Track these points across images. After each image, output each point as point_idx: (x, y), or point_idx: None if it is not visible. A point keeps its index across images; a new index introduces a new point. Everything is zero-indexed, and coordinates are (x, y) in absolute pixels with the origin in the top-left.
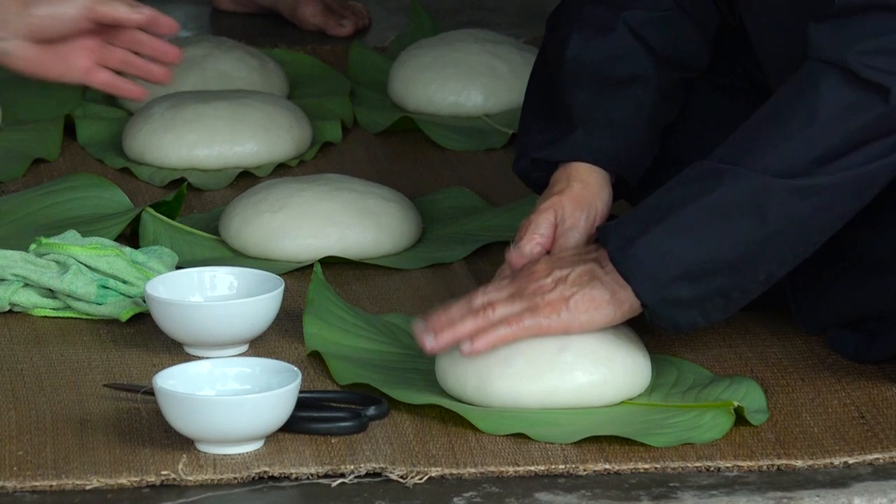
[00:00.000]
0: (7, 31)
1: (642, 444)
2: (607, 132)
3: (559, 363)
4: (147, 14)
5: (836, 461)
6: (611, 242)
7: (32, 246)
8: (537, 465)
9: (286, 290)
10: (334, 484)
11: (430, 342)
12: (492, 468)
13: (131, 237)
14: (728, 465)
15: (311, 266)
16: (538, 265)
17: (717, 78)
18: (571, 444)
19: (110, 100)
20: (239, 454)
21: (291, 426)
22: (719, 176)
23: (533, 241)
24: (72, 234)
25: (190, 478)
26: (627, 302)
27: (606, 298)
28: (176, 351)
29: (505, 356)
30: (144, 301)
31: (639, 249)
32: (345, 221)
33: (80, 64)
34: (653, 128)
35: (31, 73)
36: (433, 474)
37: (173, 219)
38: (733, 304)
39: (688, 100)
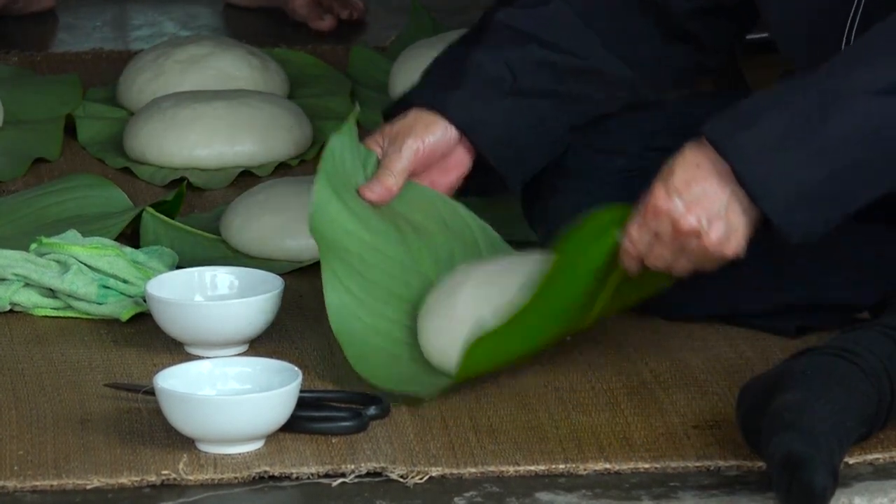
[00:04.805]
0: None
1: (642, 444)
2: (488, 109)
3: None
4: None
5: None
6: (736, 161)
7: (33, 245)
8: (537, 464)
9: (286, 290)
10: (335, 483)
11: None
12: (492, 468)
13: (131, 237)
14: (728, 464)
15: (310, 266)
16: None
17: None
18: (572, 443)
19: (111, 99)
20: (239, 454)
21: (292, 426)
22: (835, 102)
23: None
24: (72, 234)
25: (190, 477)
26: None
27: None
28: (176, 351)
29: (476, 321)
30: (145, 301)
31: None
32: None
33: None
34: (548, 129)
35: None
36: (433, 474)
37: (173, 218)
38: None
39: None
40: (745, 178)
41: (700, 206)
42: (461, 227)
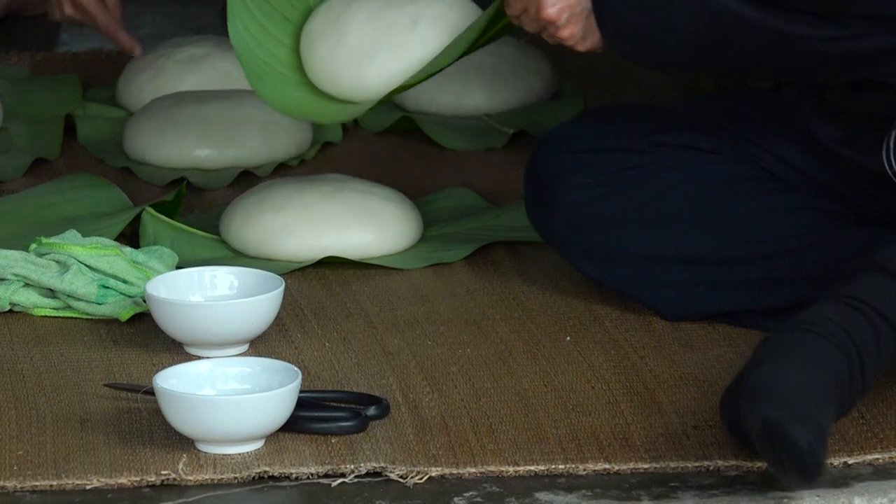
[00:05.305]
0: None
1: (642, 445)
2: None
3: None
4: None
5: (836, 461)
6: None
7: (33, 246)
8: (537, 464)
9: (286, 290)
10: (334, 484)
11: None
12: (492, 468)
13: (131, 237)
14: (728, 464)
15: (310, 266)
16: None
17: None
18: (571, 443)
19: (111, 99)
20: (239, 454)
21: (291, 426)
22: None
23: None
24: (72, 234)
25: (190, 478)
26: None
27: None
28: (176, 351)
29: (368, 51)
30: (145, 301)
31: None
32: (345, 221)
33: None
34: None
35: None
36: (433, 474)
37: (173, 218)
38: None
39: None
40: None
41: (565, 2)
42: None
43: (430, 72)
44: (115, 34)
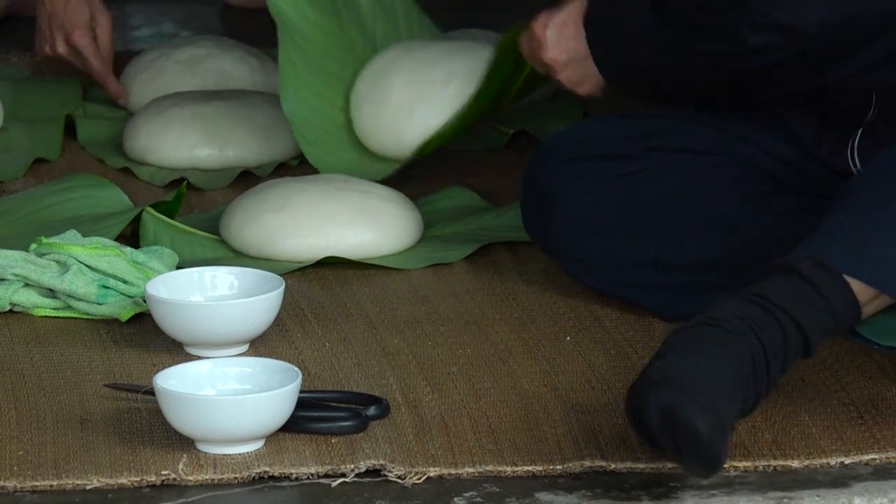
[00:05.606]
0: None
1: (641, 445)
2: None
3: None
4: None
5: (833, 461)
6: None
7: (33, 246)
8: (536, 465)
9: (286, 290)
10: (334, 484)
11: None
12: (490, 468)
13: (131, 237)
14: (728, 464)
15: (310, 266)
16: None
17: None
18: (570, 443)
19: (111, 99)
20: (239, 454)
21: (291, 426)
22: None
23: None
24: (72, 234)
25: (190, 478)
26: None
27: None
28: (176, 351)
29: (407, 108)
30: (145, 301)
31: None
32: (345, 221)
33: None
34: None
35: None
36: (432, 474)
37: (173, 218)
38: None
39: None
40: (589, 43)
41: (563, 46)
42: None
43: (456, 122)
44: (105, 80)
